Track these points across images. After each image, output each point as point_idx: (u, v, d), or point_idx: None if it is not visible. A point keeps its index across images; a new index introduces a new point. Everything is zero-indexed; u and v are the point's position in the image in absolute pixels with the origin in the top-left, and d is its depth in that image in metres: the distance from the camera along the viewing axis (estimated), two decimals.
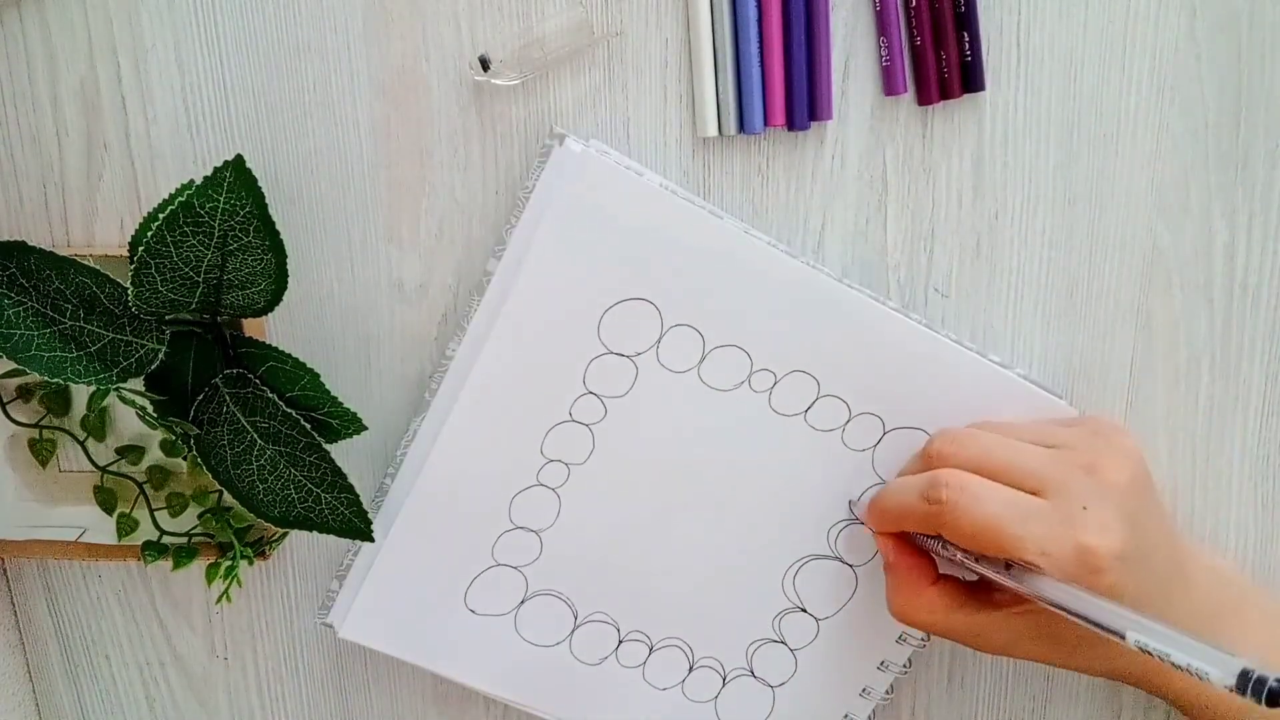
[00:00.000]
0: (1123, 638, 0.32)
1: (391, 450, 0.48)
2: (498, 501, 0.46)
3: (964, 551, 0.39)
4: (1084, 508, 0.37)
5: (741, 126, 0.44)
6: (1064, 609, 0.35)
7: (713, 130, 0.43)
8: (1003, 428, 0.42)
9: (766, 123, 0.44)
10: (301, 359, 0.43)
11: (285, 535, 0.49)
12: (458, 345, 0.45)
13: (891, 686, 0.49)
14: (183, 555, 0.47)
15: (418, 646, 0.48)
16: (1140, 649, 0.32)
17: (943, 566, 0.43)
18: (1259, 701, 0.28)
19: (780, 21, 0.43)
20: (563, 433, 0.45)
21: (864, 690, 0.49)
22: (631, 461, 0.46)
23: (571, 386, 0.45)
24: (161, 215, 0.39)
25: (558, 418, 0.45)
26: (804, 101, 0.43)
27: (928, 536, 0.41)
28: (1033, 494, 0.38)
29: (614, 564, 0.47)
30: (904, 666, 0.49)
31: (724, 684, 0.49)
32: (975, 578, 0.42)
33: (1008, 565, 0.38)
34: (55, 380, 0.41)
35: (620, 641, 0.48)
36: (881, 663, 0.49)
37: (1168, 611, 0.38)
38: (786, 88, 0.43)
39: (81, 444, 0.48)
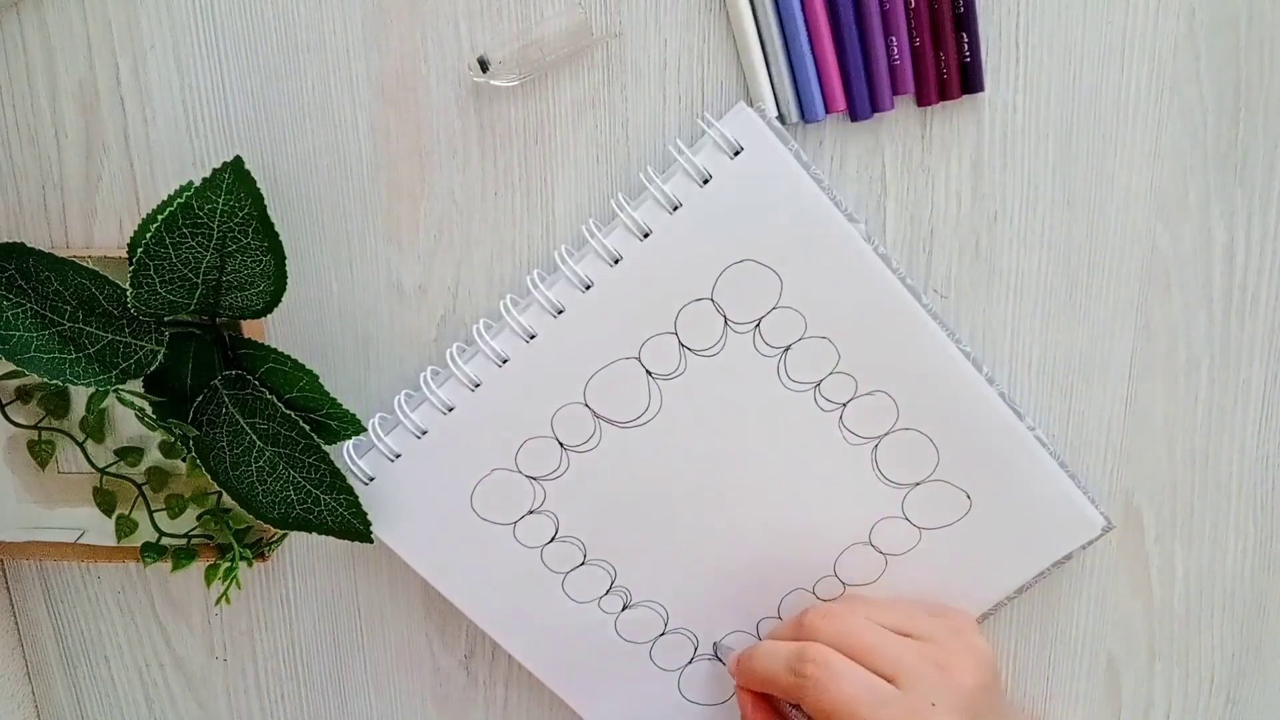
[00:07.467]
0: None
1: None
2: (540, 410, 0.45)
3: None
4: (932, 704, 0.40)
5: (804, 115, 0.43)
6: None
7: (772, 113, 0.43)
8: (873, 607, 0.45)
9: (827, 110, 0.43)
10: (300, 360, 0.43)
11: (284, 537, 0.49)
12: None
13: None
14: (182, 557, 0.47)
15: (418, 540, 0.47)
16: None
17: None
18: None
19: (826, 14, 0.42)
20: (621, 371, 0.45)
21: None
22: (687, 423, 0.45)
23: (661, 324, 0.44)
24: (160, 217, 0.39)
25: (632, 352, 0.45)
26: (863, 91, 0.43)
27: (788, 703, 0.44)
28: (889, 680, 0.41)
29: (626, 514, 0.47)
30: None
31: (692, 660, 0.49)
32: None
33: None
34: (54, 382, 0.41)
35: (617, 597, 0.48)
36: None
37: None
38: (844, 77, 0.43)
39: (81, 445, 0.48)
